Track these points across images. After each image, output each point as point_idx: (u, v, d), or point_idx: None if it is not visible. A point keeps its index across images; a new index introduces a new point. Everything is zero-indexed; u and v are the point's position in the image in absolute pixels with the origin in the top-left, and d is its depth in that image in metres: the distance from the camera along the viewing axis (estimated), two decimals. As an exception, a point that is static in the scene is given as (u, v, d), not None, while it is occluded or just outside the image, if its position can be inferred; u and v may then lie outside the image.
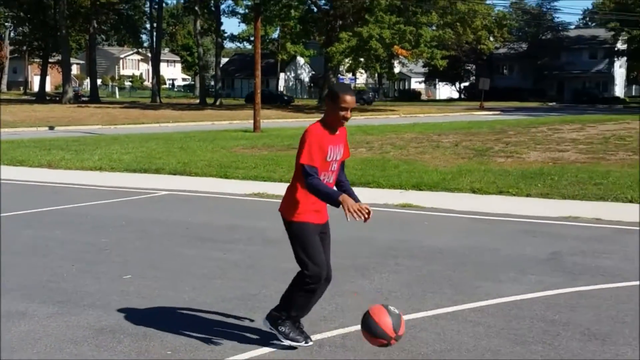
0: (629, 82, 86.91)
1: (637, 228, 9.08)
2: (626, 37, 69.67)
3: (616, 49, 73.59)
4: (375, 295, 6.15)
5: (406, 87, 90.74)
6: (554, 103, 67.75)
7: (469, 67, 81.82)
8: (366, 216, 4.34)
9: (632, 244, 8.18)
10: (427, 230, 9.32)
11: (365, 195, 12.06)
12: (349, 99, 4.44)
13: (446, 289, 6.38)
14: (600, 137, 22.20)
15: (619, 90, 79.97)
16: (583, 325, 5.31)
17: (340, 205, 4.35)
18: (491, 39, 66.64)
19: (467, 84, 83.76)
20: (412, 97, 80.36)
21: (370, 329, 4.39)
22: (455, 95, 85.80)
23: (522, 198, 11.75)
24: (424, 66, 75.36)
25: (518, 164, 15.96)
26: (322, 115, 4.68)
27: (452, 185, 12.83)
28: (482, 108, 52.66)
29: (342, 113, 4.47)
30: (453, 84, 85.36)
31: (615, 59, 75.20)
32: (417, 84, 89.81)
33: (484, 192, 12.26)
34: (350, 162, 16.81)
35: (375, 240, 8.51)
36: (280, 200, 4.82)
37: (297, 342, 4.77)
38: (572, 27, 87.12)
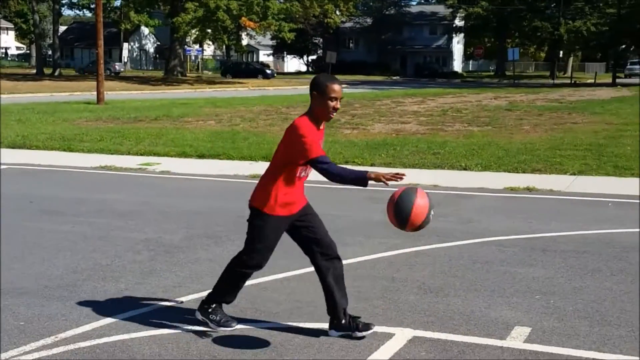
0: (467, 57, 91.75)
1: (477, 193, 9.86)
2: (463, 14, 73.34)
3: (454, 25, 77.33)
4: (228, 262, 6.32)
5: (254, 59, 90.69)
6: (398, 77, 70.31)
7: (317, 41, 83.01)
8: (401, 178, 4.14)
9: (465, 208, 8.87)
10: (277, 199, 9.58)
11: (216, 167, 12.19)
12: (337, 87, 4.31)
13: (295, 253, 6.65)
14: (439, 110, 23.46)
15: (457, 65, 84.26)
16: (420, 281, 5.78)
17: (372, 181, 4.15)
18: (337, 13, 67.82)
19: (314, 57, 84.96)
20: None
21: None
22: (304, 68, 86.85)
23: (367, 167, 12.31)
24: (272, 39, 75.74)
25: (363, 136, 16.62)
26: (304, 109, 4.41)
27: (300, 156, 13.17)
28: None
29: (332, 104, 4.30)
30: (301, 57, 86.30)
31: (454, 35, 79.07)
32: (265, 56, 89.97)
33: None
34: (200, 134, 16.81)
35: (227, 210, 8.70)
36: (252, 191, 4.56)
37: (230, 327, 4.60)
38: (414, 3, 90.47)
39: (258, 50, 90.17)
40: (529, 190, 10.03)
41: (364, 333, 4.53)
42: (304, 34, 72.59)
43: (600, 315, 4.96)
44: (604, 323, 4.81)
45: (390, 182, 4.14)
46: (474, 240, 7.15)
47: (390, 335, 4.60)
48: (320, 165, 4.21)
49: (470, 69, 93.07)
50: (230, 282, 4.62)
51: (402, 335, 4.61)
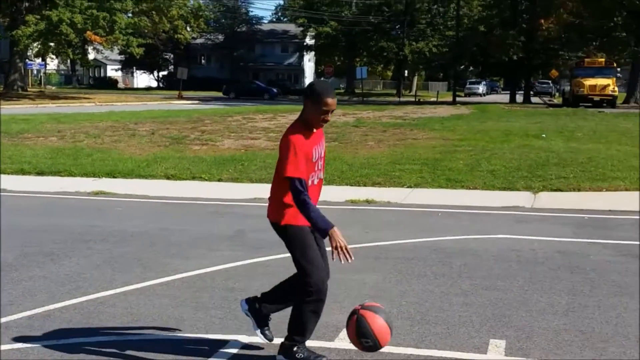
0: (318, 75, 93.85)
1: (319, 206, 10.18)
2: (314, 33, 75.15)
3: (305, 43, 79.04)
4: (64, 279, 6.24)
5: (102, 74, 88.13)
6: (249, 94, 70.71)
7: (167, 56, 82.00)
8: (350, 259, 4.19)
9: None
10: (120, 215, 9.49)
11: (56, 184, 11.85)
12: (331, 101, 4.28)
13: (136, 268, 6.68)
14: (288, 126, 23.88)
15: (309, 82, 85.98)
16: (258, 290, 5.90)
17: (328, 238, 4.17)
18: (188, 29, 67.36)
19: (165, 73, 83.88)
20: (109, 85, 78.28)
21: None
22: (154, 84, 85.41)
23: (214, 183, 12.41)
24: (120, 54, 73.89)
25: (212, 151, 16.67)
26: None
27: (146, 173, 13.08)
28: (180, 97, 53.19)
29: (323, 116, 4.30)
30: (151, 72, 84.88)
31: (305, 53, 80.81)
32: (113, 71, 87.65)
33: (178, 178, 12.71)
34: (40, 151, 16.21)
35: (66, 227, 8.51)
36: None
37: None
38: (266, 21, 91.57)
39: (106, 65, 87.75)
40: (368, 202, 10.51)
41: (261, 337, 4.58)
42: (154, 49, 71.44)
43: (420, 315, 5.36)
44: (423, 322, 5.21)
45: (335, 258, 4.18)
46: (313, 250, 7.43)
47: (224, 343, 4.75)
48: (295, 189, 4.18)
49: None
50: (309, 314, 4.43)
51: (236, 342, 4.77)
